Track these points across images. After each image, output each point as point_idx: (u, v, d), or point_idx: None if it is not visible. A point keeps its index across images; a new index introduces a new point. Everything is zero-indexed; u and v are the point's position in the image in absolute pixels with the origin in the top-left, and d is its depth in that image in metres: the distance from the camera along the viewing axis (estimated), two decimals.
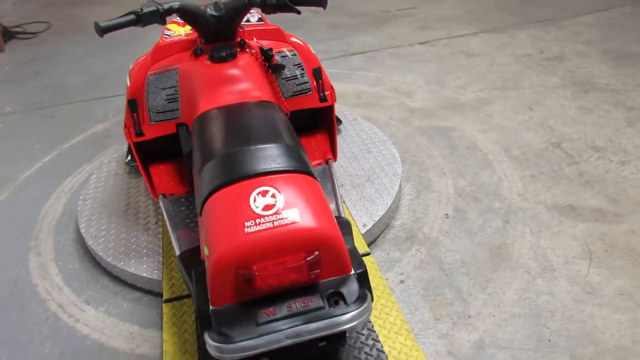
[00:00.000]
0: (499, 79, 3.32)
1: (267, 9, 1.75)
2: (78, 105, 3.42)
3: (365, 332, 1.61)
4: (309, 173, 1.28)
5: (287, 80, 1.96)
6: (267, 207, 1.16)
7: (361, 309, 1.16)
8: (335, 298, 1.17)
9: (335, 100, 2.05)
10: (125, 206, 2.23)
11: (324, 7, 1.75)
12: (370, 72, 3.55)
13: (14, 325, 1.86)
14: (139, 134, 1.91)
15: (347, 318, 1.14)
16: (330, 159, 2.05)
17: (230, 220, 1.15)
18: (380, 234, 2.13)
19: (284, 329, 1.12)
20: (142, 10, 1.64)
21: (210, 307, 1.16)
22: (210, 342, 1.11)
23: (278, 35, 1.99)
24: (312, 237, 1.15)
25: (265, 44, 1.95)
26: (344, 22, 4.51)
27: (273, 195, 1.18)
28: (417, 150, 2.65)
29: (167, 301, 1.78)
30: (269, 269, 1.13)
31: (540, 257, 1.96)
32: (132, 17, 1.63)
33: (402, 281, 1.91)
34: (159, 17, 1.67)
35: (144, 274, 1.89)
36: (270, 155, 1.27)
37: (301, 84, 1.98)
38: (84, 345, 1.76)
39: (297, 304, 1.15)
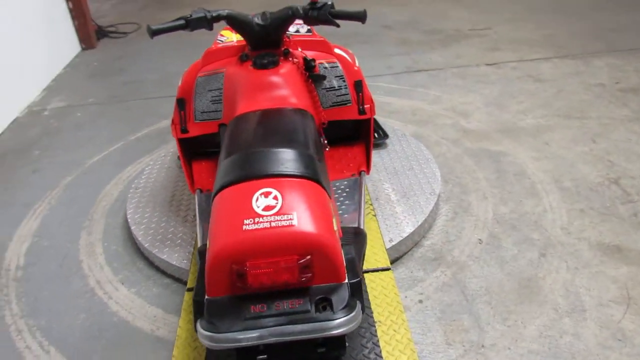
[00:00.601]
0: (564, 106, 3.17)
1: (308, 20, 1.81)
2: (149, 101, 3.67)
3: (369, 345, 1.61)
4: (317, 180, 1.31)
5: (327, 91, 2.01)
6: (268, 208, 1.21)
7: (345, 318, 1.17)
8: (324, 304, 1.20)
9: (374, 114, 2.07)
10: (170, 197, 2.38)
11: (363, 22, 1.79)
12: (431, 90, 3.52)
13: (57, 295, 2.04)
14: (184, 131, 2.03)
15: (329, 325, 1.16)
16: (364, 171, 2.07)
17: (231, 216, 1.21)
18: (408, 251, 2.11)
19: (268, 326, 1.16)
20: (191, 16, 1.77)
21: (206, 297, 1.22)
22: (199, 330, 1.17)
23: (323, 46, 2.05)
24: (306, 241, 1.18)
25: (310, 54, 2.02)
26: (414, 39, 4.50)
27: (275, 197, 1.23)
28: (463, 172, 2.60)
29: (189, 290, 1.87)
30: (262, 266, 1.17)
31: (572, 295, 1.86)
32: (181, 22, 1.76)
33: (420, 301, 1.89)
34: (206, 23, 1.78)
35: (174, 262, 2.00)
36: (282, 159, 1.32)
37: (341, 95, 2.02)
38: (111, 321, 1.90)
39: (286, 305, 1.19)
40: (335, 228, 1.28)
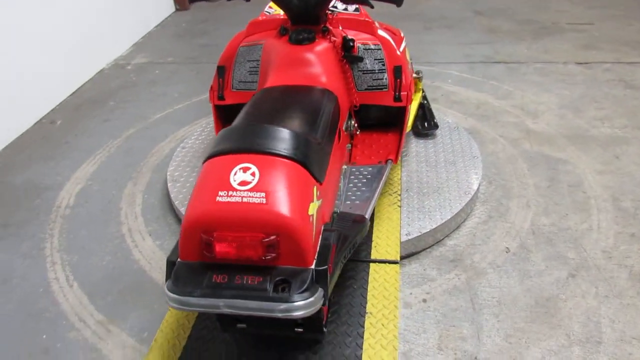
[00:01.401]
0: None
1: (345, 0, 1.77)
2: None
3: (353, 334, 1.59)
4: (302, 163, 1.29)
5: (363, 73, 1.96)
6: (243, 183, 1.22)
7: (300, 302, 1.16)
8: (283, 285, 1.20)
9: (410, 102, 1.99)
10: None
11: (398, 6, 1.71)
12: (504, 84, 3.30)
13: (92, 236, 2.22)
14: (221, 98, 2.09)
15: (282, 306, 1.16)
16: (391, 160, 2.01)
17: (208, 186, 1.24)
18: (427, 248, 2.03)
19: (224, 297, 1.18)
20: None
21: (178, 259, 1.27)
22: (165, 288, 1.23)
23: (367, 27, 1.99)
24: (273, 221, 1.18)
25: (352, 34, 1.97)
26: (503, 28, 4.22)
27: (253, 174, 1.23)
28: (511, 175, 2.43)
29: None
30: (228, 239, 1.19)
31: (592, 324, 1.69)
32: None
33: (424, 300, 1.82)
34: None
35: None
36: (273, 137, 1.32)
37: (378, 79, 1.97)
38: (131, 268, 2.04)
39: (245, 280, 1.20)
40: (313, 213, 1.27)
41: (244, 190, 1.21)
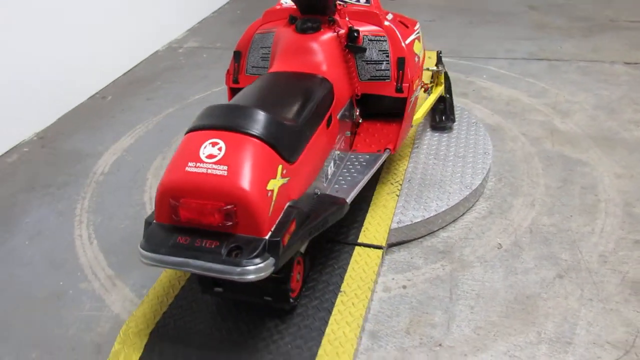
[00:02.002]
0: None
1: None
2: None
3: (322, 307, 1.69)
4: (269, 143, 1.40)
5: (366, 63, 2.02)
6: (210, 156, 1.35)
7: (249, 267, 1.27)
8: (236, 252, 1.31)
9: (411, 94, 2.03)
10: None
11: None
12: (541, 82, 3.21)
13: (117, 201, 2.44)
14: (235, 81, 2.23)
15: (231, 269, 1.27)
16: (388, 149, 2.06)
17: (181, 157, 1.37)
18: (419, 238, 2.08)
19: (184, 257, 1.32)
20: None
21: (153, 221, 1.43)
22: (138, 245, 1.38)
23: (373, 19, 2.04)
24: (231, 192, 1.30)
25: (360, 25, 2.03)
26: (554, 24, 4.07)
27: (220, 148, 1.36)
28: (523, 174, 2.40)
29: None
30: (191, 206, 1.33)
31: (567, 325, 1.68)
32: None
33: (404, 287, 1.88)
34: None
35: None
36: (245, 117, 1.43)
37: (381, 70, 2.02)
38: None
39: (204, 243, 1.33)
40: (273, 188, 1.37)
41: (210, 163, 1.34)
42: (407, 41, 2.07)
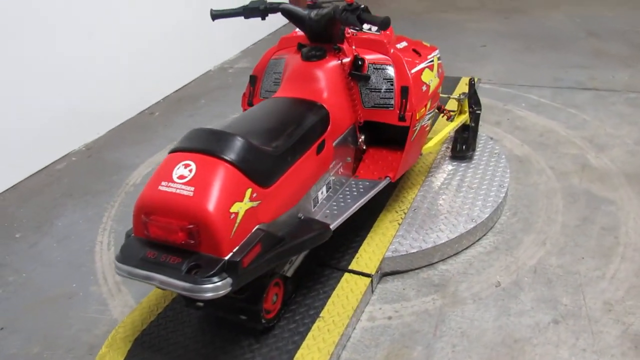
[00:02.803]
0: None
1: (340, 21, 1.87)
2: None
3: (297, 331, 1.70)
4: (239, 167, 1.45)
5: (370, 91, 2.04)
6: (181, 177, 1.43)
7: (202, 286, 1.33)
8: (196, 270, 1.37)
9: (414, 123, 2.02)
10: None
11: (379, 30, 1.76)
12: (583, 113, 3.05)
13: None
14: (250, 104, 2.32)
15: (185, 285, 1.34)
16: (388, 177, 2.05)
17: (157, 176, 1.46)
18: (416, 269, 2.04)
19: (149, 270, 1.40)
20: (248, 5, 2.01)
21: (132, 234, 1.52)
22: (114, 256, 1.49)
23: (380, 47, 2.06)
24: (194, 212, 1.37)
25: (366, 53, 2.06)
26: (612, 52, 3.84)
27: (190, 170, 1.43)
28: (541, 210, 2.29)
29: None
30: (159, 223, 1.41)
31: None
32: (240, 9, 2.02)
33: (390, 317, 1.85)
34: (260, 13, 2.01)
35: None
36: (221, 141, 1.49)
37: (385, 98, 2.03)
38: None
39: (169, 259, 1.40)
40: (237, 211, 1.42)
41: (180, 183, 1.42)
42: (414, 70, 2.06)
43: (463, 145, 2.58)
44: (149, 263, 1.42)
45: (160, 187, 1.43)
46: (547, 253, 2.05)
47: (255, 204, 1.49)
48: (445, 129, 2.46)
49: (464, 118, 2.62)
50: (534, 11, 4.94)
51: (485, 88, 3.48)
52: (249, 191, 1.47)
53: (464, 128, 2.69)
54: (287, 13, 2.01)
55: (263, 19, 2.04)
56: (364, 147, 2.15)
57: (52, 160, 3.15)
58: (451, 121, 2.60)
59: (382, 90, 2.03)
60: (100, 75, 3.39)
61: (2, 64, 2.80)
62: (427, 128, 2.22)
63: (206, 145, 1.48)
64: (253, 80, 2.30)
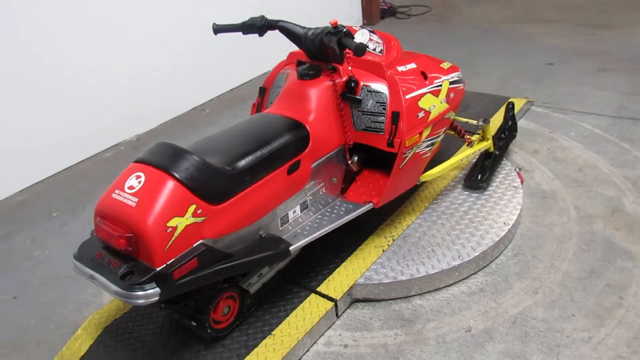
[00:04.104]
0: None
1: (322, 43, 1.86)
2: None
3: (244, 345, 1.74)
4: (184, 182, 1.51)
5: (362, 114, 2.01)
6: (131, 187, 1.52)
7: (128, 292, 1.41)
8: (129, 276, 1.46)
9: (404, 150, 1.95)
10: None
11: (355, 55, 1.72)
12: (637, 150, 2.73)
13: None
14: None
15: (113, 289, 1.43)
16: (372, 202, 2.00)
17: (114, 184, 1.57)
18: (389, 299, 1.98)
19: (92, 269, 1.51)
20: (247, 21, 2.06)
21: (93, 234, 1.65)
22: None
23: (377, 69, 2.01)
24: (133, 222, 1.46)
25: (363, 74, 2.02)
26: None
27: (140, 182, 1.52)
28: (547, 255, 2.10)
29: None
30: (105, 227, 1.51)
31: None
32: (239, 25, 2.08)
33: (346, 345, 1.82)
34: (257, 29, 2.05)
35: None
36: (173, 157, 1.56)
37: (376, 122, 1.99)
38: None
39: (110, 262, 1.50)
40: (176, 225, 1.48)
41: (128, 193, 1.51)
42: (410, 95, 1.99)
43: (479, 174, 2.43)
44: (95, 263, 1.53)
45: (113, 195, 1.53)
46: (535, 304, 1.89)
47: (199, 219, 1.55)
48: (455, 157, 2.34)
49: (484, 146, 2.47)
50: (623, 27, 4.48)
51: (537, 112, 3.24)
52: (192, 207, 1.52)
53: (487, 155, 2.54)
54: (285, 31, 2.03)
55: (260, 35, 2.08)
56: (357, 169, 2.12)
57: (104, 148, 3.44)
58: (470, 147, 2.47)
59: (374, 114, 1.99)
60: (164, 71, 3.64)
61: (69, 57, 3.12)
62: (425, 156, 2.13)
63: (159, 160, 1.56)
64: (262, 91, 2.35)
